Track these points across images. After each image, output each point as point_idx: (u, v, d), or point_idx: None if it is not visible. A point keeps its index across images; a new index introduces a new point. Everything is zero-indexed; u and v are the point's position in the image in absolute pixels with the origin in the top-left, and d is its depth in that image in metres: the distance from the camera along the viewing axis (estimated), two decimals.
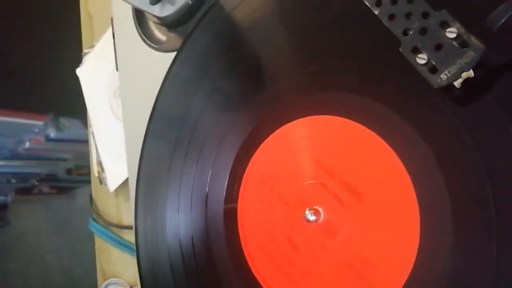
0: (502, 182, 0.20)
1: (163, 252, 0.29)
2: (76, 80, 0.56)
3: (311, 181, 0.25)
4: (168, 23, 0.36)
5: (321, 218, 0.25)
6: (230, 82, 0.32)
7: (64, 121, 1.01)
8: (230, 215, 0.27)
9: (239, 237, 0.27)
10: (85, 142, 0.58)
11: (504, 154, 0.20)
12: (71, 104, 0.72)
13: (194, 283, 0.27)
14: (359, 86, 0.24)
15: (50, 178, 1.26)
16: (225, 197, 0.28)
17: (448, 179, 0.21)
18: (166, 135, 0.35)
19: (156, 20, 0.37)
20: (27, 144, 1.05)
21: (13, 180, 1.24)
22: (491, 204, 0.20)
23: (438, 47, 0.19)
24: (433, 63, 0.19)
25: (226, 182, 0.28)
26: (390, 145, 0.23)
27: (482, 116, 0.21)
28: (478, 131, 0.21)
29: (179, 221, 0.29)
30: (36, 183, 1.27)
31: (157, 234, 0.31)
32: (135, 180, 0.36)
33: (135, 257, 0.34)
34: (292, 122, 0.26)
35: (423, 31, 0.20)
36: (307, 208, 0.24)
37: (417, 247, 0.21)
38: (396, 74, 0.23)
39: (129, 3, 0.35)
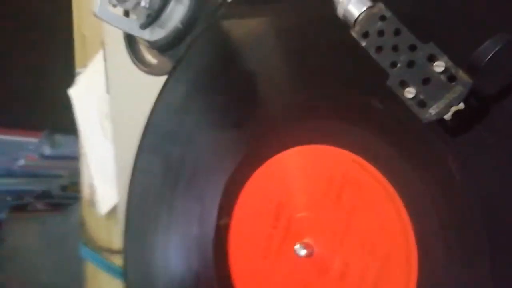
0: (492, 204, 0.20)
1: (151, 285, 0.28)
2: (69, 98, 0.56)
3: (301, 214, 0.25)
4: (159, 47, 0.36)
5: (314, 251, 0.24)
6: (219, 107, 0.31)
7: (59, 138, 1.00)
8: (221, 255, 0.26)
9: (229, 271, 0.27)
10: (80, 161, 0.57)
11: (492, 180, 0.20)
12: (66, 121, 0.72)
13: None
14: (353, 116, 0.24)
15: (45, 195, 1.25)
16: (215, 234, 0.27)
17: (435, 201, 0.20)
18: (156, 158, 0.34)
19: (147, 44, 0.37)
20: (22, 161, 1.04)
21: (8, 198, 1.23)
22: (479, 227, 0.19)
23: (426, 81, 0.19)
24: (421, 97, 0.19)
25: (216, 215, 0.27)
26: (382, 174, 0.23)
27: (473, 144, 0.21)
28: (468, 159, 0.21)
29: (169, 260, 0.28)
30: (31, 200, 1.26)
31: (146, 263, 0.31)
32: (125, 203, 0.36)
33: None
34: (281, 153, 0.25)
35: (410, 64, 0.19)
36: (297, 243, 0.24)
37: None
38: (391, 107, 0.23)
39: (120, 28, 0.34)
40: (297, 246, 0.23)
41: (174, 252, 0.29)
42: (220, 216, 0.26)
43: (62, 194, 1.24)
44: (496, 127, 0.21)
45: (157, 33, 0.35)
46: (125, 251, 0.32)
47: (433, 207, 0.21)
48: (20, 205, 1.29)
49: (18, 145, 0.99)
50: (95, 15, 0.32)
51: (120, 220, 0.36)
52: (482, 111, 0.21)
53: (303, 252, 0.23)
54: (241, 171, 0.26)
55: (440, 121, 0.21)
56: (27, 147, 1.01)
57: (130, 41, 0.39)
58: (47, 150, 1.01)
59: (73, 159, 1.03)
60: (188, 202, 0.29)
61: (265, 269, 0.25)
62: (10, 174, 1.10)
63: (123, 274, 0.31)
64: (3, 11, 0.86)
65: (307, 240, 0.24)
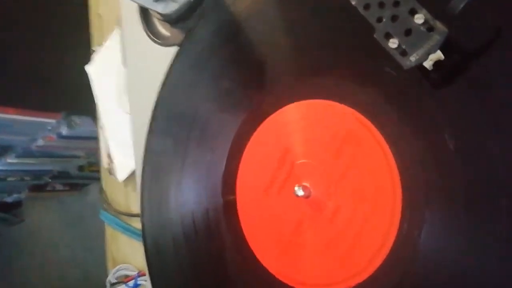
0: (471, 156, 0.22)
1: (166, 225, 0.31)
2: (87, 79, 0.59)
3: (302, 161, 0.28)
4: (171, 20, 0.39)
5: (311, 193, 0.27)
6: (228, 72, 0.34)
7: (75, 119, 1.04)
8: (229, 204, 0.29)
9: (237, 216, 0.30)
10: (96, 139, 0.60)
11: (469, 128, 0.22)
12: (82, 102, 0.75)
13: (194, 254, 0.30)
14: (347, 73, 0.27)
15: (62, 175, 1.30)
16: (223, 182, 0.30)
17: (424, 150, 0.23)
18: (170, 123, 0.37)
19: (160, 17, 0.40)
20: (40, 141, 1.08)
21: (26, 178, 1.28)
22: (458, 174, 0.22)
23: (408, 32, 0.21)
24: (403, 47, 0.21)
25: (224, 166, 0.30)
26: (375, 125, 0.25)
27: (456, 95, 0.23)
28: (450, 110, 0.23)
29: (182, 198, 0.31)
30: (49, 180, 1.31)
31: (161, 210, 0.34)
32: (141, 168, 0.39)
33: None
34: (283, 108, 0.28)
35: (394, 18, 0.22)
36: (296, 185, 0.27)
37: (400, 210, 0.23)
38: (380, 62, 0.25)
39: (135, 2, 0.37)
40: (296, 187, 0.26)
41: (187, 192, 0.32)
42: (229, 162, 0.29)
43: (79, 174, 1.29)
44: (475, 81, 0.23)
45: (170, 6, 0.38)
46: (142, 204, 0.35)
47: (422, 166, 0.24)
48: (38, 185, 1.34)
49: (37, 125, 1.03)
50: None
51: (137, 185, 0.40)
52: (463, 65, 0.23)
53: (301, 192, 0.26)
54: (249, 122, 0.29)
55: (425, 72, 0.23)
56: (45, 128, 1.04)
57: (145, 15, 0.42)
58: (65, 131, 1.04)
59: (90, 139, 1.08)
60: (200, 153, 0.32)
61: (266, 204, 0.28)
62: (28, 154, 1.14)
63: (141, 214, 0.34)
64: None
65: (305, 183, 0.27)
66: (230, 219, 0.29)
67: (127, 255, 0.53)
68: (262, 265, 0.28)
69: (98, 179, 0.60)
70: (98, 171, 0.60)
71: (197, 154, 0.32)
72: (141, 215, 0.35)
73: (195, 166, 0.32)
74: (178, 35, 0.39)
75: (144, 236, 0.34)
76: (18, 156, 1.13)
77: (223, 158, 0.30)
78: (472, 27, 0.23)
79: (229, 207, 0.29)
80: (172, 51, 0.39)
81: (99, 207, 0.56)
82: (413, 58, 0.21)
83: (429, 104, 0.24)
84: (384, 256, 0.24)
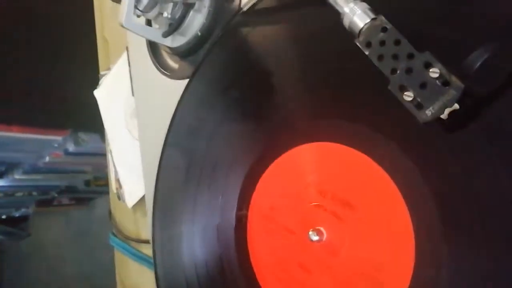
0: (483, 189, 0.22)
1: (179, 271, 0.31)
2: (93, 97, 0.59)
3: (311, 204, 0.28)
4: (180, 53, 0.39)
5: (324, 237, 0.27)
6: (238, 108, 0.34)
7: (82, 135, 1.04)
8: (241, 241, 0.29)
9: (250, 262, 0.30)
10: (103, 155, 0.60)
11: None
12: (89, 119, 0.75)
13: None
14: (357, 115, 0.27)
15: (69, 190, 1.31)
16: (235, 225, 0.30)
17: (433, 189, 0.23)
18: (181, 156, 0.37)
19: (169, 50, 0.40)
20: (47, 158, 1.09)
21: (34, 193, 1.29)
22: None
23: (423, 85, 0.21)
24: (419, 100, 0.21)
25: (236, 206, 0.30)
26: (385, 169, 0.25)
27: (467, 142, 0.23)
28: (463, 155, 0.23)
29: (193, 241, 0.31)
30: (56, 195, 1.31)
31: (173, 251, 0.34)
32: (152, 197, 0.39)
33: (153, 270, 0.37)
34: (292, 150, 0.28)
35: (409, 70, 0.22)
36: (310, 229, 0.26)
37: (413, 243, 0.23)
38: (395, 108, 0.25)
39: (144, 37, 0.37)
40: (310, 232, 0.26)
41: (199, 240, 0.32)
42: (239, 207, 0.29)
43: (86, 189, 1.29)
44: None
45: (178, 40, 0.38)
46: (154, 241, 0.35)
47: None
48: (45, 200, 1.34)
49: (44, 143, 1.04)
50: (122, 26, 0.35)
51: (147, 212, 0.40)
52: (476, 110, 0.23)
53: (315, 237, 0.26)
54: (258, 165, 0.29)
55: (438, 120, 0.23)
56: (52, 145, 1.05)
57: (153, 48, 0.42)
58: (71, 147, 1.05)
59: (96, 155, 1.08)
60: (210, 194, 0.32)
61: (279, 247, 0.28)
62: (35, 170, 1.15)
63: (154, 263, 0.34)
64: (29, 18, 0.90)
65: (319, 227, 0.27)
66: (242, 264, 0.29)
67: (137, 281, 0.52)
68: None
69: (104, 193, 0.60)
70: (105, 185, 0.60)
71: (209, 196, 0.32)
72: (153, 253, 0.35)
73: (207, 206, 0.32)
74: (187, 68, 0.40)
75: (156, 274, 0.34)
76: (25, 172, 1.14)
77: (234, 200, 0.30)
78: (485, 73, 0.23)
79: (241, 251, 0.29)
80: (181, 83, 0.39)
81: (105, 221, 0.55)
82: (429, 112, 0.21)
83: (442, 147, 0.24)
84: None
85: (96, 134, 1.02)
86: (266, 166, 0.30)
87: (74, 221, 1.43)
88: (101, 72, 0.61)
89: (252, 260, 0.29)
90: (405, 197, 0.24)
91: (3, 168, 1.12)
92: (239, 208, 0.30)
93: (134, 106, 0.53)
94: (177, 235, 0.33)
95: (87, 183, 1.27)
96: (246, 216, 0.30)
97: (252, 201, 0.29)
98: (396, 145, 0.25)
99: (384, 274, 0.25)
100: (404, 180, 0.25)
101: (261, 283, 0.28)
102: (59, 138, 1.03)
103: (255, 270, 0.29)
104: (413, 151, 0.25)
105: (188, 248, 0.32)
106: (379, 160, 0.25)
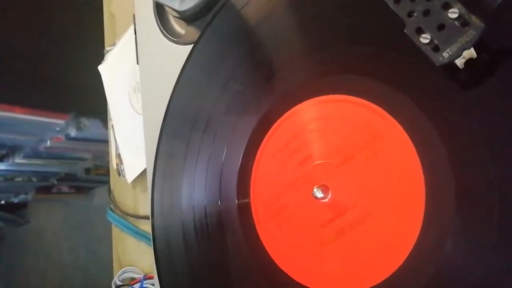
0: (504, 158, 0.21)
1: (177, 226, 0.30)
2: (97, 81, 0.58)
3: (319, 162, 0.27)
4: (187, 17, 0.38)
5: (329, 196, 0.26)
6: (244, 70, 0.33)
7: (84, 120, 1.04)
8: (244, 207, 0.28)
9: (252, 218, 0.29)
10: (105, 142, 0.59)
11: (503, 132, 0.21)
12: (92, 104, 0.75)
13: (206, 256, 0.29)
14: (367, 69, 0.26)
15: (69, 178, 1.30)
16: (237, 184, 0.29)
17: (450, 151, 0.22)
18: (183, 124, 0.36)
19: (176, 14, 0.39)
20: (48, 142, 1.08)
21: (33, 179, 1.28)
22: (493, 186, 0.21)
23: (441, 27, 0.20)
24: (436, 42, 0.20)
25: (238, 168, 0.29)
26: (396, 119, 0.24)
27: (485, 97, 0.22)
28: (480, 110, 0.22)
29: (194, 200, 0.30)
30: (56, 182, 1.30)
31: (172, 211, 0.33)
32: (152, 169, 0.38)
33: (151, 246, 0.36)
34: (299, 104, 0.27)
35: (426, 12, 0.21)
36: (315, 186, 0.25)
37: (423, 210, 0.22)
38: (403, 57, 0.24)
39: None
40: (315, 189, 0.25)
41: (200, 194, 0.31)
42: (243, 164, 0.28)
43: (86, 177, 1.28)
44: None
45: (186, 3, 0.37)
46: (152, 198, 0.34)
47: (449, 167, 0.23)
48: (45, 187, 1.33)
49: (45, 126, 1.03)
50: None
51: (149, 184, 0.39)
52: (493, 65, 0.22)
53: (319, 194, 0.25)
54: (263, 122, 0.28)
55: (455, 71, 0.22)
56: (53, 129, 1.05)
57: (160, 12, 0.41)
58: (73, 132, 1.04)
59: (98, 142, 1.07)
60: (213, 154, 0.31)
61: (282, 206, 0.27)
62: (36, 155, 1.14)
63: (151, 215, 0.33)
64: None
65: (324, 183, 0.26)
66: (244, 221, 0.28)
67: (134, 257, 0.51)
68: (278, 267, 0.26)
69: (104, 183, 0.59)
70: (104, 175, 0.59)
71: (211, 155, 0.31)
72: (151, 216, 0.34)
73: (209, 168, 0.31)
74: (193, 33, 0.39)
75: (154, 236, 0.33)
76: (26, 157, 1.13)
77: (237, 159, 0.29)
78: (504, 26, 0.22)
79: (244, 210, 0.28)
80: (187, 49, 0.38)
81: (104, 210, 0.55)
82: (446, 54, 0.20)
83: (457, 102, 0.23)
84: (401, 261, 0.23)
85: (98, 120, 1.02)
86: (270, 126, 0.29)
87: (73, 210, 1.43)
88: (107, 48, 0.60)
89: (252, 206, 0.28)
90: (422, 159, 0.23)
91: (3, 151, 1.11)
92: (243, 166, 0.29)
93: (137, 81, 0.52)
94: (176, 193, 0.32)
95: (87, 171, 1.26)
96: (250, 174, 0.29)
97: (256, 158, 0.28)
98: (409, 99, 0.24)
99: (389, 236, 0.24)
100: (423, 140, 0.24)
101: (257, 225, 0.27)
102: (61, 122, 1.02)
103: (253, 215, 0.28)
104: (432, 109, 0.24)
105: (187, 205, 0.31)
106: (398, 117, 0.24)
